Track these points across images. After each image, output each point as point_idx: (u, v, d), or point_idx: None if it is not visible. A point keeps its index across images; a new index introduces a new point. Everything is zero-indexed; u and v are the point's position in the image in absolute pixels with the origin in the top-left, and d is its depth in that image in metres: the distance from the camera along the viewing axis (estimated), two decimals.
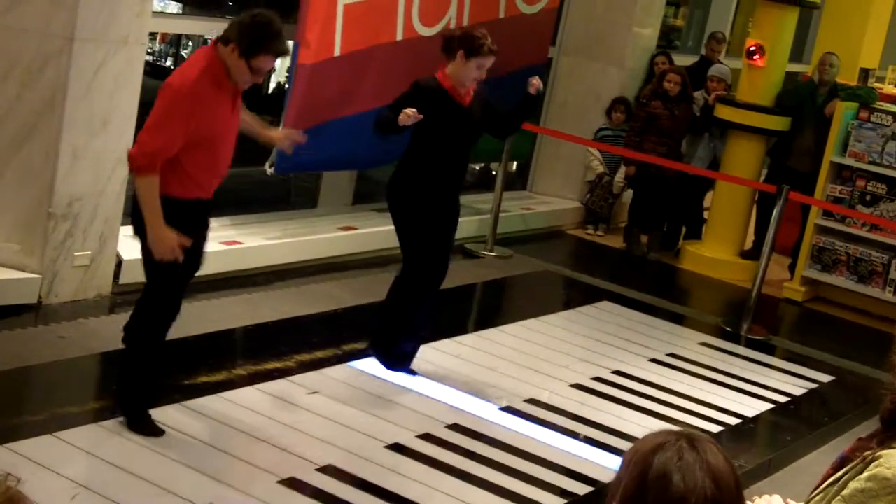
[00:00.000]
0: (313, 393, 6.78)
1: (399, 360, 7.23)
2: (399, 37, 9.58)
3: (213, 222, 8.82)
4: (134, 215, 5.74)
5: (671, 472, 2.28)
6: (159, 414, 6.07)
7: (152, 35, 8.42)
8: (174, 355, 6.85)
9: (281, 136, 6.44)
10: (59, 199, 7.18)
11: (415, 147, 7.03)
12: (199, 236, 5.85)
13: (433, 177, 7.04)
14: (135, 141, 5.54)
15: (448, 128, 6.98)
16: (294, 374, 6.96)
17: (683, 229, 12.03)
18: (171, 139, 5.42)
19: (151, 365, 5.93)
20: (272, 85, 13.60)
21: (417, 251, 7.10)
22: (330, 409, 6.60)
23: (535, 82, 7.34)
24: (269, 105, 12.20)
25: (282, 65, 13.57)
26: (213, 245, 8.42)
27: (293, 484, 5.67)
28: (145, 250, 5.69)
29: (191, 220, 5.69)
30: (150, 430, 5.82)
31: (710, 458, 2.31)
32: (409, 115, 6.67)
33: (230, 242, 8.64)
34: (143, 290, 6.00)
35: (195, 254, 5.84)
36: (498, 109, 7.37)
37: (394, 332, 7.20)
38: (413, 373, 7.23)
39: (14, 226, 7.23)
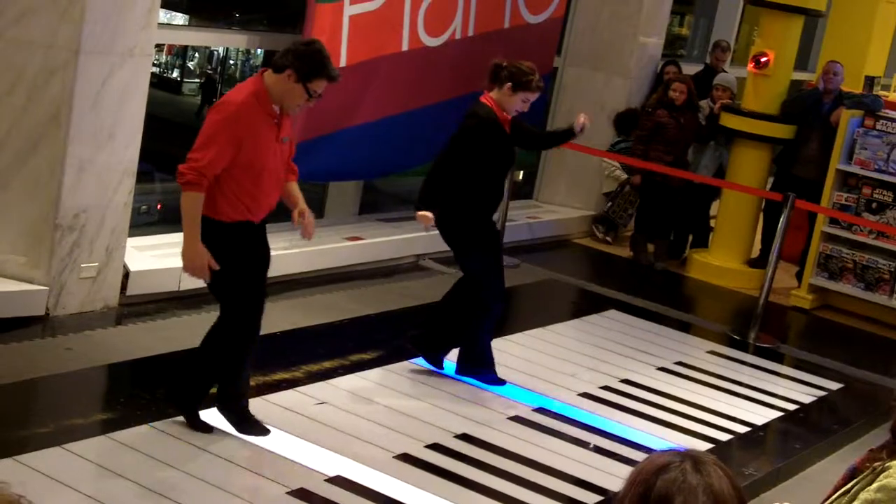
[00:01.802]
0: (321, 403, 6.77)
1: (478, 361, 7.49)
2: (405, 47, 9.60)
3: None
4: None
5: (673, 495, 2.26)
6: (165, 426, 6.07)
7: (158, 47, 8.43)
8: (181, 366, 6.86)
9: (298, 219, 6.35)
10: (66, 211, 7.18)
11: (466, 176, 7.15)
12: (257, 258, 6.02)
13: (487, 204, 7.29)
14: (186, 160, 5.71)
15: (500, 157, 7.26)
16: (302, 385, 6.95)
17: (690, 238, 12.02)
18: (217, 157, 5.64)
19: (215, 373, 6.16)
20: None
21: (488, 271, 7.34)
22: (338, 419, 6.59)
23: (583, 120, 7.58)
24: None
25: None
26: None
27: (302, 494, 5.66)
28: (216, 279, 5.88)
29: (237, 241, 5.86)
30: (203, 427, 6.10)
31: (714, 482, 2.28)
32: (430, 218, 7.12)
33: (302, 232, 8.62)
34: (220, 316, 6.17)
35: (259, 273, 6.06)
36: (527, 126, 7.59)
37: (449, 339, 7.48)
38: (502, 382, 7.51)
39: (21, 238, 7.24)
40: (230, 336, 6.07)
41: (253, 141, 5.74)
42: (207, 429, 6.07)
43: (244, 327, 6.07)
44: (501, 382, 7.44)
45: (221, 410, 6.15)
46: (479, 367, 7.44)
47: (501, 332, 8.67)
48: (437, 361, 7.51)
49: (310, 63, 5.79)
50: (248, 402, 6.24)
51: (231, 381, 6.15)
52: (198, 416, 6.11)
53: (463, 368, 7.45)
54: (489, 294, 7.34)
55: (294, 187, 6.27)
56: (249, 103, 5.75)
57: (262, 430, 6.17)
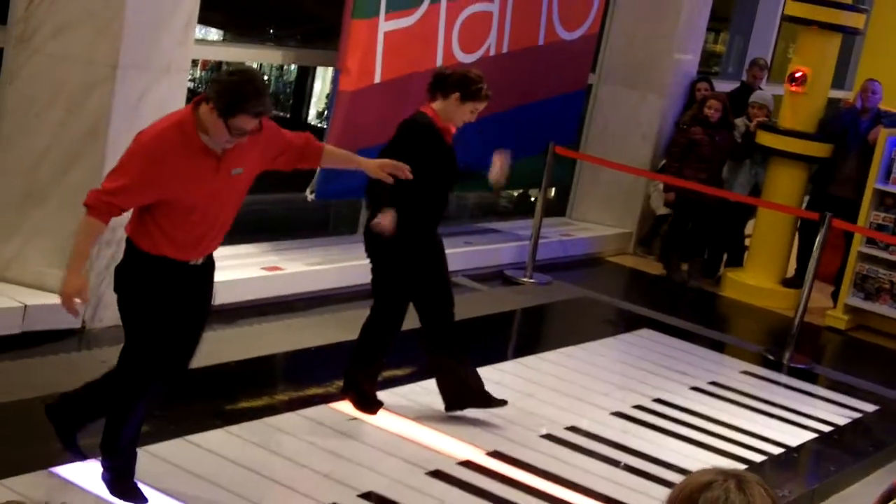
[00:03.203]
0: (354, 419, 6.77)
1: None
2: (439, 63, 9.61)
3: (254, 248, 8.99)
4: (115, 274, 5.37)
5: None
6: (201, 439, 6.09)
7: (193, 62, 8.47)
8: (215, 381, 6.89)
9: (375, 165, 6.03)
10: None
11: (401, 187, 6.38)
12: (176, 299, 5.30)
13: (421, 218, 6.82)
14: None
15: (439, 168, 6.78)
16: (335, 401, 6.95)
17: (725, 256, 11.98)
18: (125, 185, 5.01)
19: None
20: (312, 112, 13.66)
21: (394, 295, 6.92)
22: (371, 435, 6.60)
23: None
24: (311, 132, 12.25)
25: (321, 91, 13.64)
26: (253, 271, 8.52)
27: None
28: (122, 311, 5.37)
29: (154, 277, 5.22)
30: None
31: (757, 502, 2.27)
32: (389, 227, 6.52)
33: (271, 268, 8.67)
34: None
35: (180, 318, 5.35)
36: None
37: (365, 369, 7.03)
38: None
39: (58, 251, 7.26)
40: (120, 377, 5.38)
41: (174, 179, 5.03)
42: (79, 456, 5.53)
43: (136, 371, 5.32)
44: None
45: (102, 461, 5.44)
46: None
47: (533, 350, 8.67)
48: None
49: (229, 97, 4.98)
50: (132, 463, 5.49)
51: (114, 429, 5.37)
52: (74, 441, 5.57)
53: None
54: (390, 319, 6.93)
55: (336, 152, 5.91)
56: (168, 136, 5.06)
57: (136, 496, 5.41)
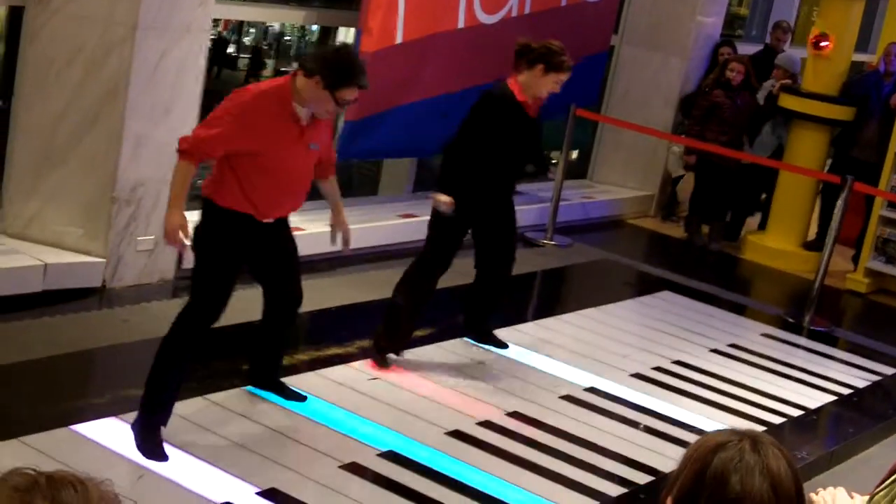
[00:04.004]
0: (374, 379, 6.80)
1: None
2: (461, 24, 9.58)
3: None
4: (195, 232, 5.70)
5: (729, 473, 2.24)
6: (224, 398, 6.12)
7: (214, 22, 8.45)
8: (236, 340, 6.91)
9: (337, 226, 6.38)
10: (123, 184, 7.25)
11: (472, 151, 6.95)
12: (247, 255, 5.83)
13: (487, 184, 7.09)
14: None
15: (514, 140, 7.04)
16: (355, 360, 6.98)
17: (747, 220, 11.95)
18: (219, 137, 5.50)
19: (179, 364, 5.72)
20: None
21: (436, 247, 7.14)
22: (391, 395, 6.62)
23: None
24: None
25: None
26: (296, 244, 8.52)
27: (354, 468, 5.70)
28: (195, 261, 5.74)
29: (229, 231, 5.67)
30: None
31: (772, 462, 2.26)
32: (450, 203, 6.89)
33: (292, 229, 8.65)
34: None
35: (237, 271, 5.80)
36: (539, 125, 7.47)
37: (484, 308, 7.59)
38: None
39: (78, 211, 7.31)
40: (175, 329, 5.67)
41: (263, 136, 5.57)
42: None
43: (193, 321, 5.68)
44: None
45: (137, 418, 5.60)
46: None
47: (553, 311, 8.68)
48: (490, 338, 7.55)
49: (338, 71, 5.58)
50: (164, 421, 5.61)
51: (157, 384, 5.60)
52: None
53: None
54: (426, 269, 7.15)
55: (334, 189, 6.25)
56: (268, 98, 5.62)
57: (160, 455, 5.50)
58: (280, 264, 6.07)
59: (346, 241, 6.34)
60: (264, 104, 5.59)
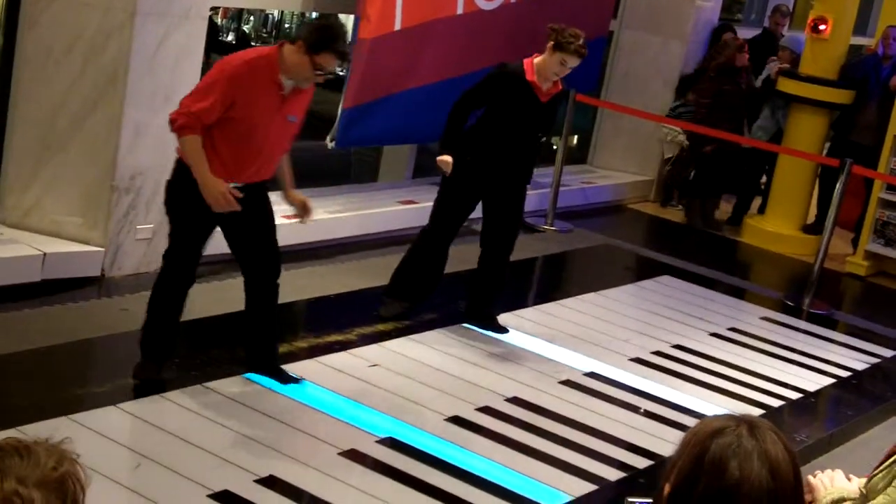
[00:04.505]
0: (374, 365, 6.80)
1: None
2: (459, 10, 9.57)
3: (275, 196, 8.97)
4: (165, 189, 6.01)
5: (728, 459, 2.24)
6: (221, 385, 6.13)
7: (214, 10, 8.45)
8: (236, 328, 6.92)
9: (297, 200, 6.39)
10: (122, 172, 7.24)
11: (481, 126, 7.21)
12: (218, 218, 5.91)
13: (489, 155, 7.20)
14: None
15: (518, 118, 7.13)
16: (355, 347, 6.99)
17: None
18: (214, 105, 5.62)
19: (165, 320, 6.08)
20: None
21: (440, 218, 7.39)
22: (390, 381, 6.63)
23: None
24: (329, 80, 12.22)
25: None
26: (275, 219, 8.51)
27: (354, 455, 5.71)
28: (171, 222, 6.00)
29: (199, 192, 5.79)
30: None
31: (770, 447, 2.26)
32: (449, 163, 7.10)
33: (292, 216, 8.65)
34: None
35: (210, 225, 5.99)
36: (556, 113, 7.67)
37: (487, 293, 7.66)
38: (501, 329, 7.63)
39: (77, 199, 7.31)
40: (159, 282, 6.09)
41: (247, 101, 5.68)
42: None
43: (171, 277, 6.03)
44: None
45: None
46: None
47: (554, 296, 8.68)
48: (492, 323, 7.58)
49: (319, 35, 5.70)
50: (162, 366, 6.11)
51: (154, 332, 6.05)
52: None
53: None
54: (431, 238, 7.43)
55: (286, 163, 6.25)
56: (255, 65, 5.72)
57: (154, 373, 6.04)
58: (256, 234, 6.10)
59: (307, 210, 6.34)
60: (253, 71, 5.70)
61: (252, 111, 5.71)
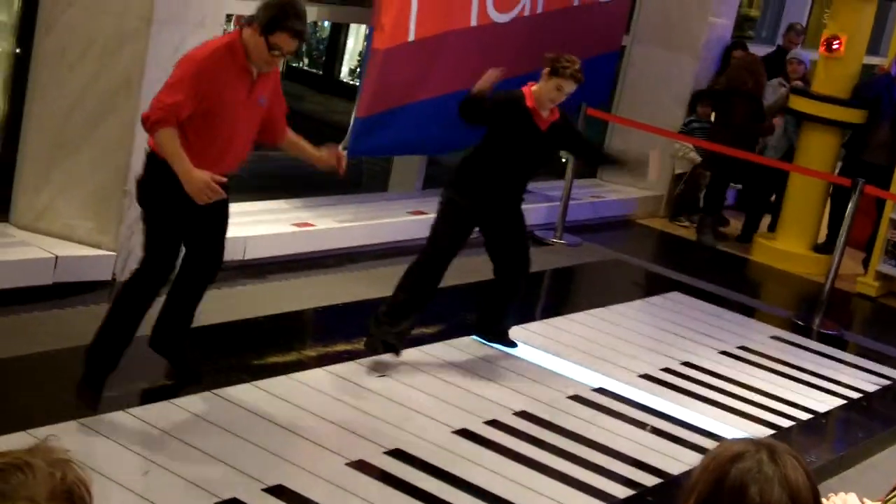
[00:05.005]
0: (382, 376, 6.79)
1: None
2: (473, 22, 9.57)
3: (285, 204, 9.01)
4: (138, 187, 5.87)
5: (748, 484, 2.23)
6: (228, 393, 6.12)
7: (228, 17, 8.46)
8: (244, 335, 6.92)
9: (325, 156, 6.22)
10: (134, 177, 7.22)
11: (481, 152, 7.09)
12: (192, 208, 5.66)
13: (490, 187, 7.06)
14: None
15: (516, 145, 7.02)
16: (363, 357, 6.97)
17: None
18: (185, 99, 5.48)
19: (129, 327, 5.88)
20: (345, 69, 13.64)
21: (440, 239, 7.12)
22: (399, 392, 6.62)
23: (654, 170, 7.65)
24: (343, 89, 12.24)
25: (354, 48, 13.62)
26: (284, 226, 8.54)
27: (361, 466, 5.69)
28: (145, 218, 5.87)
29: (174, 183, 5.57)
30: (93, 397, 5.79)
31: (790, 473, 2.24)
32: (493, 76, 6.89)
33: (302, 224, 8.68)
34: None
35: (189, 225, 5.84)
36: (579, 133, 7.66)
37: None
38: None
39: (89, 203, 7.31)
40: (132, 281, 5.90)
41: (217, 91, 5.56)
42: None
43: (147, 281, 5.85)
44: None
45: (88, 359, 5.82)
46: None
47: (562, 311, 8.67)
48: (503, 338, 7.56)
49: (271, 14, 5.53)
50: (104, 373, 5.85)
51: (107, 332, 5.83)
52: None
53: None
54: (428, 262, 7.12)
55: (297, 138, 6.14)
56: (220, 54, 5.59)
57: (92, 401, 5.75)
58: (211, 229, 5.97)
59: (340, 161, 6.16)
60: (219, 60, 5.58)
61: (223, 101, 5.60)
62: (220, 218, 5.98)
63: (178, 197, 5.58)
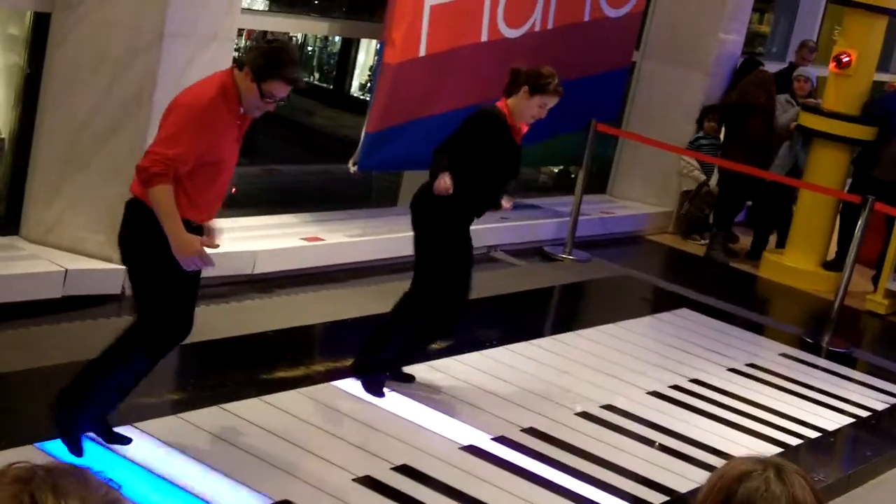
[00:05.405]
0: (390, 391, 6.78)
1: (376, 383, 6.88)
2: (484, 38, 9.59)
3: (295, 218, 9.02)
4: (123, 243, 5.46)
5: (755, 503, 2.23)
6: (236, 407, 6.12)
7: (239, 31, 8.48)
8: (253, 350, 6.92)
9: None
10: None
11: (458, 167, 6.64)
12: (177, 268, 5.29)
13: (465, 203, 6.77)
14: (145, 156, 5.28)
15: (498, 162, 6.77)
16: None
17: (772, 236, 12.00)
18: (185, 152, 5.15)
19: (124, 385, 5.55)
20: (355, 84, 13.64)
21: (435, 271, 6.85)
22: (406, 408, 6.61)
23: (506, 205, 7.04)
24: (353, 104, 12.25)
25: (365, 63, 13.64)
26: (294, 240, 8.55)
27: (368, 482, 5.69)
28: (136, 277, 5.49)
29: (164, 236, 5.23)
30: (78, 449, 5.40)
31: (798, 492, 2.24)
32: (447, 185, 6.51)
33: (311, 238, 8.69)
34: (136, 318, 5.57)
35: (187, 279, 5.40)
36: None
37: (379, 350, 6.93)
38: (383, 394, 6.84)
39: (99, 217, 7.32)
40: (137, 340, 5.44)
41: (215, 140, 5.27)
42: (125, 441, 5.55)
43: (158, 338, 5.44)
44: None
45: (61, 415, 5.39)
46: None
47: (571, 327, 8.66)
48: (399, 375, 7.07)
49: (266, 61, 5.26)
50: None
51: (94, 385, 5.41)
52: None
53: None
54: (428, 298, 6.81)
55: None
56: (217, 103, 5.26)
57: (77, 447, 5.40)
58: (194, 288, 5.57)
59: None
60: (218, 107, 5.27)
61: (221, 148, 5.31)
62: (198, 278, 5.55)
63: (167, 249, 5.21)
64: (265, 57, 5.28)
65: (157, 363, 5.53)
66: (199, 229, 5.38)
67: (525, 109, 6.74)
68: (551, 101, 6.76)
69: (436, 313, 6.85)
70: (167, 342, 5.48)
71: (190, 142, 5.16)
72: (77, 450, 5.35)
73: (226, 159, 5.38)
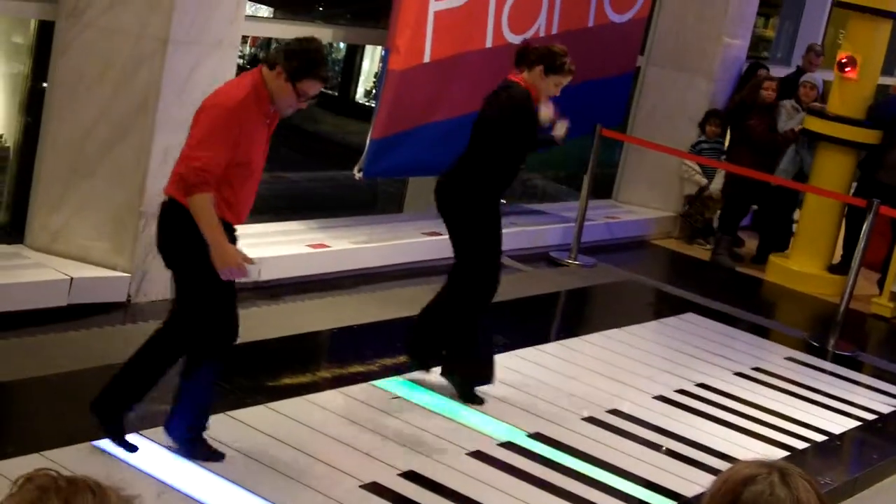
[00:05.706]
0: (396, 398, 6.79)
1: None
2: (488, 44, 9.60)
3: (301, 225, 9.03)
4: (163, 247, 5.56)
5: None
6: (243, 414, 6.12)
7: (243, 39, 8.50)
8: (259, 357, 6.92)
9: None
10: (150, 198, 7.25)
11: (488, 152, 6.76)
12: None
13: (498, 185, 6.90)
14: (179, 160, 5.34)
15: (529, 139, 6.89)
16: (377, 378, 6.97)
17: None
18: (219, 155, 5.21)
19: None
20: (360, 90, 13.65)
21: (482, 258, 6.93)
22: (413, 414, 6.61)
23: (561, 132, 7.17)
24: (358, 111, 12.26)
25: (370, 69, 13.65)
26: (299, 247, 8.56)
27: (375, 488, 5.69)
28: (182, 281, 5.57)
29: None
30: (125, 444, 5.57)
31: (802, 496, 2.24)
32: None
33: (317, 245, 8.69)
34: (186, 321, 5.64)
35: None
36: None
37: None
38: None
39: (105, 224, 7.34)
40: (183, 342, 5.57)
41: (247, 140, 5.32)
42: (132, 448, 5.56)
43: (214, 339, 5.57)
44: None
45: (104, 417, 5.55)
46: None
47: (577, 332, 8.66)
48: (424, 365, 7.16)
49: (300, 61, 5.33)
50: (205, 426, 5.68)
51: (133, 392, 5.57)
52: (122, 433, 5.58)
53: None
54: (479, 287, 6.95)
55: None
56: (248, 105, 5.32)
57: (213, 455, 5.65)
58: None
59: None
60: (249, 108, 5.33)
61: (253, 148, 5.37)
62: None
63: (206, 251, 5.28)
64: (300, 57, 5.36)
65: (221, 366, 5.66)
66: (232, 231, 5.46)
67: (543, 89, 6.82)
68: (565, 80, 6.86)
69: (482, 298, 6.94)
70: (223, 344, 5.60)
71: (222, 144, 5.22)
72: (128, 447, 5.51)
73: (255, 159, 5.43)
